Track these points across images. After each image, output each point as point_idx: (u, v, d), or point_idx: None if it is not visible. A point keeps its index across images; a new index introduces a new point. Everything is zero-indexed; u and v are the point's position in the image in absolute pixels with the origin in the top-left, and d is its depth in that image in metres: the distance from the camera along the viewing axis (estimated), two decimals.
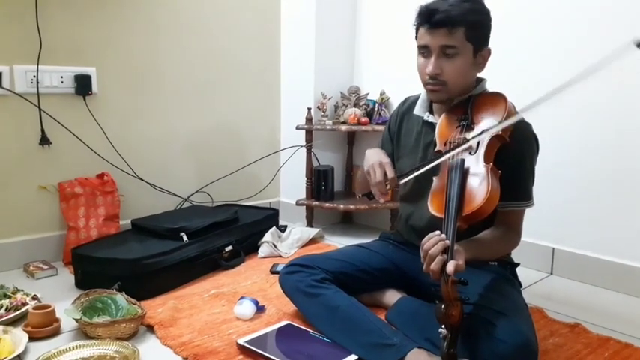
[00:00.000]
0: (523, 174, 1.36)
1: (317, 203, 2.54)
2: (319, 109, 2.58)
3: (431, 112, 1.50)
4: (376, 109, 2.56)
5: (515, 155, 1.32)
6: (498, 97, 1.35)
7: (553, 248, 2.04)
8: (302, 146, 2.59)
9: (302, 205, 2.59)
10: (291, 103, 2.74)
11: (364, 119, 2.51)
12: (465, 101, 1.39)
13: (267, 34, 2.68)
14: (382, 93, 2.55)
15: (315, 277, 1.48)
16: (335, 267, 1.52)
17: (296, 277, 1.51)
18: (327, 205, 2.51)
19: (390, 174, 1.38)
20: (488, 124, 1.29)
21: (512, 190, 1.33)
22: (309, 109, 2.51)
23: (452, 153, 1.28)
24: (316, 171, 2.56)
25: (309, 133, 2.54)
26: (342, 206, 2.51)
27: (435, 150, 1.38)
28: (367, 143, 2.71)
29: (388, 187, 1.38)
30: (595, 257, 1.93)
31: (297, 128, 2.54)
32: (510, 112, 1.29)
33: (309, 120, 2.51)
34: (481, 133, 1.27)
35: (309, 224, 2.61)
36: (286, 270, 1.56)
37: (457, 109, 1.39)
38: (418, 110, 1.53)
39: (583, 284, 1.95)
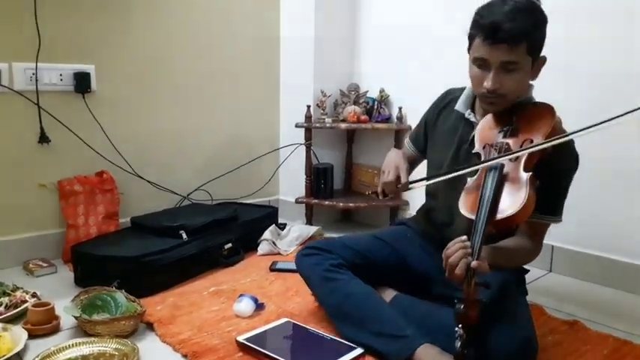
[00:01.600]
0: (558, 190, 1.33)
1: (316, 201, 2.54)
2: (319, 106, 2.58)
3: (472, 109, 1.46)
4: (375, 106, 2.56)
5: (554, 170, 1.28)
6: (547, 110, 1.30)
7: (552, 246, 2.04)
8: (301, 144, 2.59)
9: (301, 202, 2.59)
10: (290, 101, 2.74)
11: (364, 117, 2.51)
12: (511, 107, 1.35)
13: (266, 31, 2.68)
14: (382, 91, 2.55)
15: (333, 262, 1.47)
16: (350, 256, 1.51)
17: (313, 259, 1.51)
18: (326, 202, 2.51)
19: (404, 178, 1.44)
20: (533, 134, 1.26)
21: (545, 204, 1.28)
22: (308, 106, 2.51)
23: (485, 164, 1.25)
24: (316, 169, 2.56)
25: (308, 131, 2.54)
26: (341, 204, 2.51)
27: (473, 151, 1.35)
28: (367, 141, 2.72)
29: (399, 188, 1.43)
30: (594, 255, 1.94)
31: (297, 126, 2.54)
32: (556, 126, 1.26)
33: (308, 118, 2.51)
34: (524, 149, 1.23)
35: (309, 222, 2.61)
36: (304, 252, 1.56)
37: (503, 113, 1.35)
38: (460, 106, 1.48)
39: (582, 282, 1.95)
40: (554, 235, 2.01)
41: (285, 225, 2.42)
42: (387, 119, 2.52)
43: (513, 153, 1.23)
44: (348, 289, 1.41)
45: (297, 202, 2.60)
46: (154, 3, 2.25)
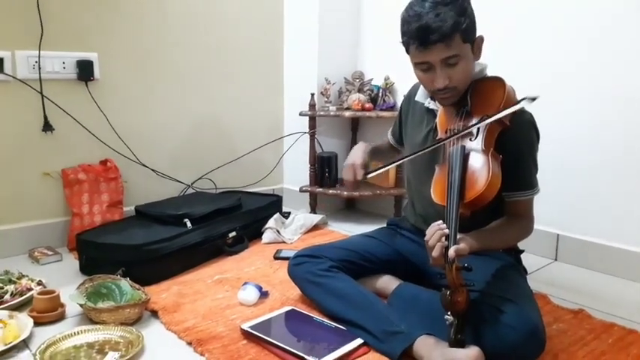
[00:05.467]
0: (525, 163, 1.35)
1: (320, 190, 2.53)
2: (323, 94, 2.56)
3: (432, 98, 1.48)
4: (380, 94, 2.54)
5: (515, 145, 1.31)
6: (497, 82, 1.33)
7: (557, 235, 2.03)
8: (305, 132, 2.58)
9: (305, 191, 2.59)
10: (294, 89, 2.72)
11: (368, 105, 2.49)
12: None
13: (269, 18, 2.65)
14: (386, 78, 2.53)
15: (322, 267, 1.49)
16: (340, 256, 1.53)
17: (303, 267, 1.53)
18: (330, 191, 2.51)
19: (358, 176, 1.50)
20: (487, 110, 1.28)
21: (516, 181, 1.32)
22: (312, 95, 2.49)
23: (441, 143, 1.30)
24: (320, 157, 2.55)
25: (312, 120, 2.53)
26: (345, 193, 2.50)
27: (437, 138, 1.38)
28: (371, 129, 2.70)
29: (358, 182, 1.51)
30: (599, 243, 1.92)
31: (301, 114, 2.53)
32: (509, 96, 1.28)
33: (312, 106, 2.49)
34: (479, 122, 1.26)
35: (313, 211, 2.61)
36: (294, 262, 1.57)
37: None
38: (420, 97, 1.52)
39: (587, 270, 1.94)
40: (560, 224, 2.02)
41: (289, 214, 2.42)
42: (392, 107, 2.50)
43: (464, 131, 1.26)
44: (339, 291, 1.43)
45: (301, 190, 2.60)
46: None
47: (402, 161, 1.42)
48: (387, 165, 1.43)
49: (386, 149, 1.77)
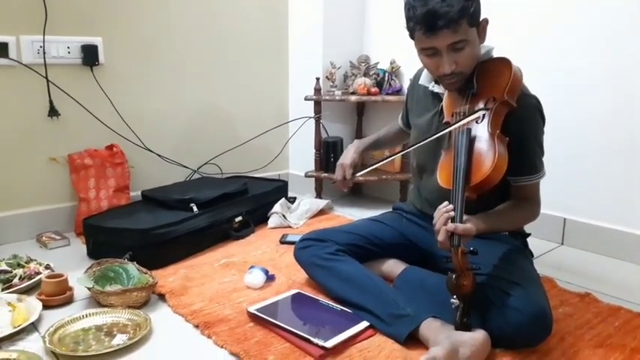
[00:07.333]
0: (530, 148, 1.34)
1: (326, 175, 2.52)
2: (328, 79, 2.54)
3: (436, 81, 1.46)
4: (386, 78, 2.52)
5: (519, 128, 1.30)
6: (503, 63, 1.31)
7: (564, 218, 2.02)
8: (311, 117, 2.56)
9: (311, 176, 2.58)
10: (299, 74, 2.70)
11: (374, 89, 2.47)
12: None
13: (274, 2, 2.63)
14: (392, 62, 2.51)
15: (328, 250, 1.49)
16: (346, 239, 1.53)
17: (310, 251, 1.53)
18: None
19: (347, 176, 1.57)
20: (493, 91, 1.27)
21: (522, 165, 1.32)
22: (317, 79, 2.47)
23: (449, 129, 1.29)
24: (325, 142, 2.54)
25: (317, 104, 2.52)
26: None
27: (444, 121, 1.37)
28: (377, 113, 2.69)
29: (345, 183, 1.59)
30: (606, 227, 1.92)
31: (306, 99, 2.52)
32: (516, 77, 1.27)
33: (317, 90, 2.48)
34: (477, 111, 1.26)
35: (318, 196, 2.61)
36: (300, 245, 1.57)
37: None
38: (423, 80, 1.51)
39: (594, 254, 1.94)
40: (566, 208, 2.01)
41: (294, 199, 2.42)
42: (398, 91, 2.49)
43: (468, 116, 1.26)
44: (346, 274, 1.43)
45: (306, 176, 2.59)
46: None
47: (393, 157, 1.44)
48: (376, 163, 1.47)
49: (392, 137, 1.77)
